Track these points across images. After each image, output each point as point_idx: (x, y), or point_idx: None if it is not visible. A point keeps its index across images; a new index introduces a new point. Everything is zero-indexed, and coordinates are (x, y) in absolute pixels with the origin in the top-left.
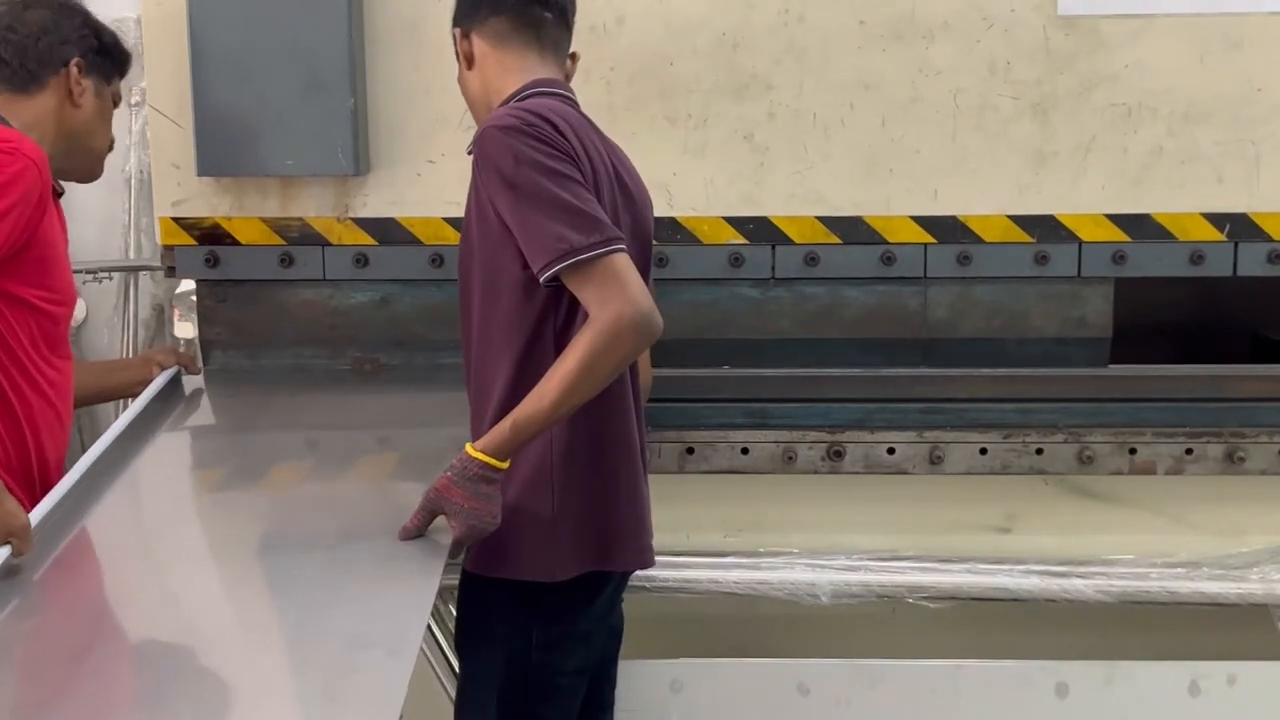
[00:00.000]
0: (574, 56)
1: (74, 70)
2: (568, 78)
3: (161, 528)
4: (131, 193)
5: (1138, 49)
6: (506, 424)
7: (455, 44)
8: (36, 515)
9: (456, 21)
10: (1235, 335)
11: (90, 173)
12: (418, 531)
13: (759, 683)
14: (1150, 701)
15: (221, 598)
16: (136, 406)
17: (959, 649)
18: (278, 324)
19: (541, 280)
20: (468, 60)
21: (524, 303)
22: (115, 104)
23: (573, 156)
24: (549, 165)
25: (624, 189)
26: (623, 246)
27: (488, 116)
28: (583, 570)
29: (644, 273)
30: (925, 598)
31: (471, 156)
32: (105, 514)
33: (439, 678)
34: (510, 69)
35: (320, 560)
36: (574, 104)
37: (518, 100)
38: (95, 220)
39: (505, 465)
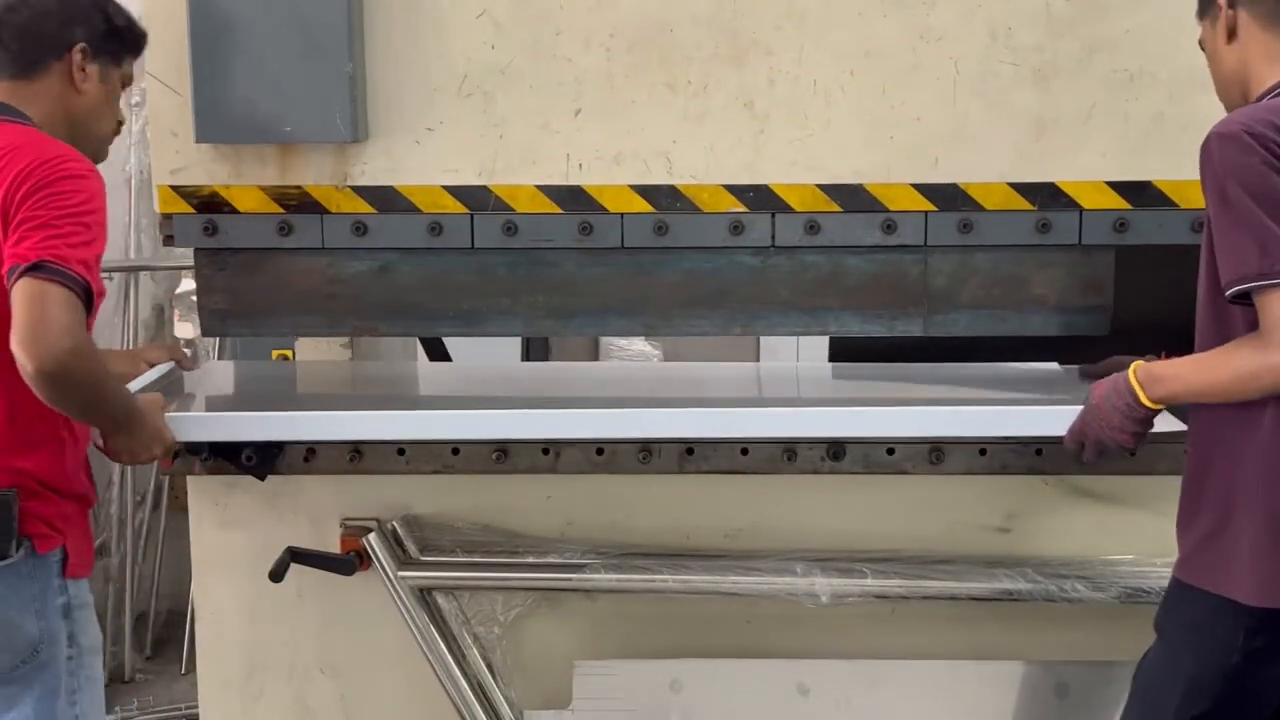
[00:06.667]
0: None
1: (77, 56)
2: None
3: None
4: (131, 192)
5: (1139, 14)
6: (1165, 371)
7: (1213, 8)
8: None
9: None
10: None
11: (95, 156)
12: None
13: (759, 683)
14: None
15: None
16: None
17: (959, 649)
18: (276, 293)
19: (1227, 296)
20: (1229, 33)
21: (1222, 310)
22: (126, 85)
23: None
24: (1259, 181)
25: None
26: None
27: (1225, 118)
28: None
29: None
30: (925, 598)
31: None
32: None
33: (439, 677)
34: (1276, 56)
35: None
36: None
37: (1272, 95)
38: None
39: (1147, 403)
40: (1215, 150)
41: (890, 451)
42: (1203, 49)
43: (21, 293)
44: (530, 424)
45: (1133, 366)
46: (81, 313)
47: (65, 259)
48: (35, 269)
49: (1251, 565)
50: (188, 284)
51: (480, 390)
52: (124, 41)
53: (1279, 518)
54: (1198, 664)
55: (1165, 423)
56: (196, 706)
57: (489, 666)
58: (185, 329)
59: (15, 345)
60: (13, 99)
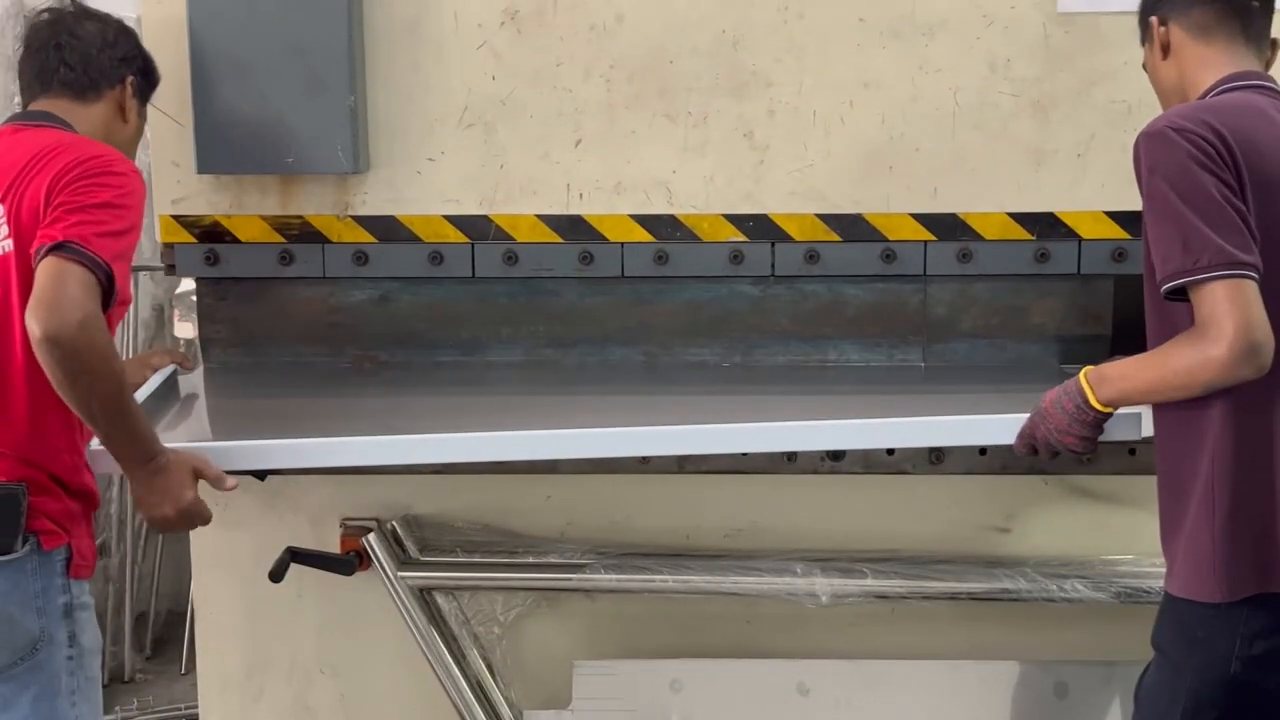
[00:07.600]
0: (1275, 44)
1: (129, 87)
2: (1267, 66)
3: None
4: None
5: (1137, 46)
6: (1113, 371)
7: (1148, 30)
8: None
9: (1153, 9)
10: None
11: None
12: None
13: (759, 683)
14: None
15: None
16: None
17: (959, 649)
18: (277, 322)
19: (1162, 294)
20: (1164, 50)
21: (1165, 307)
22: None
23: (1224, 165)
24: (1183, 178)
25: None
26: (1236, 272)
27: (1157, 116)
28: (1245, 594)
29: None
30: (925, 598)
31: None
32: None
33: (439, 677)
34: (1209, 63)
35: None
36: (1275, 94)
37: (1213, 95)
38: None
39: (1097, 405)
40: (1142, 150)
41: (890, 452)
42: (1146, 72)
43: (43, 270)
44: (533, 446)
45: (1085, 369)
46: (97, 294)
47: (89, 241)
48: (59, 248)
49: (1218, 563)
50: (188, 284)
51: (480, 387)
52: (152, 85)
53: (1235, 511)
54: (1198, 677)
55: (1125, 430)
56: (196, 706)
57: (489, 666)
58: (185, 329)
59: (27, 314)
60: (68, 118)
